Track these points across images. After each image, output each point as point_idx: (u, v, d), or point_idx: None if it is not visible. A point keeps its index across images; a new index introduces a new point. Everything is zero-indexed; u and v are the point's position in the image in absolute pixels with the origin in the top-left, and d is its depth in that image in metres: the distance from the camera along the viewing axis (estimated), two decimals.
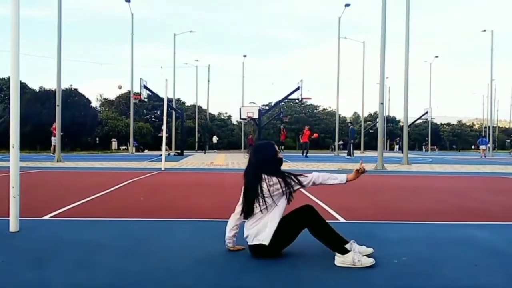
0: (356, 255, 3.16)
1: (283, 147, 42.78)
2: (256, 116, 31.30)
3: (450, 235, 4.33)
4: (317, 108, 64.96)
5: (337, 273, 3.05)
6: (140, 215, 5.31)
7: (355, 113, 71.08)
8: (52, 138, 23.30)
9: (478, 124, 74.04)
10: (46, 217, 5.00)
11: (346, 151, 26.47)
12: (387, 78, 36.95)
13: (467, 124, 75.02)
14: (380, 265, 3.22)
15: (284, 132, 24.91)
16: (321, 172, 3.68)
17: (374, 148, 41.21)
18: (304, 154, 23.70)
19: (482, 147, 31.82)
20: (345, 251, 3.21)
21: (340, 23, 32.28)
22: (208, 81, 48.42)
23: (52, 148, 23.43)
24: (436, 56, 52.87)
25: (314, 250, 3.68)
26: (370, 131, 47.25)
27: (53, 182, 9.65)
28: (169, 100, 30.85)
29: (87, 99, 39.40)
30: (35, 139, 29.94)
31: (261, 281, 2.87)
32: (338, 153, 32.37)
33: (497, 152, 38.48)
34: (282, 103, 43.46)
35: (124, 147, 37.01)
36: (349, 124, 26.30)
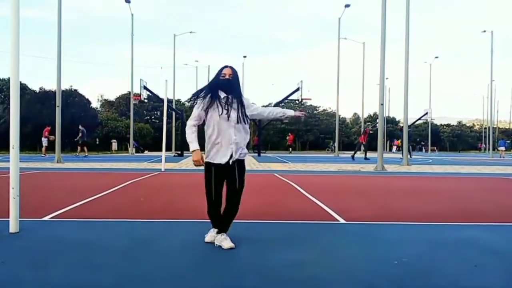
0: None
1: (290, 150, 42.77)
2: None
3: (450, 236, 4.33)
4: (317, 108, 64.94)
5: (336, 273, 3.05)
6: (140, 216, 5.31)
7: (355, 113, 71.13)
8: (43, 139, 23.35)
9: (478, 125, 74.04)
10: (46, 218, 5.00)
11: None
12: (387, 78, 37.00)
13: (467, 125, 75.04)
14: (381, 266, 3.22)
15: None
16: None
17: (374, 148, 41.19)
18: (353, 154, 22.45)
19: (501, 148, 34.34)
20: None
21: (340, 23, 32.35)
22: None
23: (43, 149, 23.44)
24: (436, 57, 52.79)
25: (314, 249, 3.68)
26: (370, 132, 47.25)
27: (53, 183, 9.65)
28: (169, 101, 30.88)
29: (87, 99, 39.44)
30: (35, 140, 29.93)
31: (262, 282, 2.87)
32: (338, 154, 32.38)
33: (497, 153, 38.58)
34: (282, 104, 43.42)
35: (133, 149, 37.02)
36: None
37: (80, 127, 23.18)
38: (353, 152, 22.73)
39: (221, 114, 3.61)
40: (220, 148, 3.63)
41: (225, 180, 3.69)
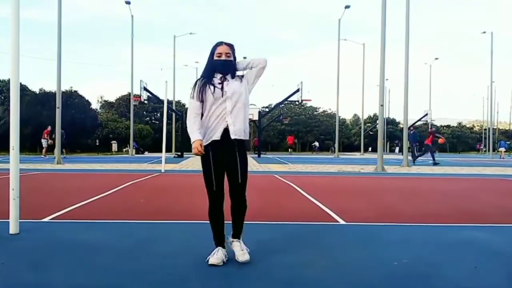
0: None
1: (291, 150, 42.79)
2: (256, 117, 31.34)
3: (451, 237, 4.33)
4: (317, 110, 65.01)
5: (336, 274, 3.04)
6: (140, 217, 5.30)
7: (355, 115, 71.20)
8: (43, 140, 23.35)
9: (478, 126, 74.08)
10: (46, 219, 5.00)
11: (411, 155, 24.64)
12: (387, 80, 37.07)
13: (467, 126, 75.07)
14: (381, 267, 3.22)
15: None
16: None
17: (374, 150, 41.19)
18: (416, 157, 20.05)
19: (501, 149, 34.70)
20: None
21: (340, 25, 32.36)
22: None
23: (44, 150, 23.42)
24: (436, 58, 52.67)
25: (314, 251, 3.68)
26: (370, 133, 47.24)
27: (53, 184, 9.64)
28: (169, 102, 30.88)
29: (87, 101, 39.54)
30: (35, 141, 29.95)
31: (262, 283, 2.87)
32: (338, 155, 32.37)
33: (497, 154, 38.60)
34: (282, 105, 43.48)
35: (126, 149, 37.01)
36: (411, 129, 26.13)
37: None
38: (416, 155, 20.34)
39: (214, 92, 3.21)
40: (214, 123, 3.22)
41: (225, 171, 3.25)
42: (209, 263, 3.16)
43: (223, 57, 3.25)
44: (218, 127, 3.22)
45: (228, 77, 3.28)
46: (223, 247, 3.27)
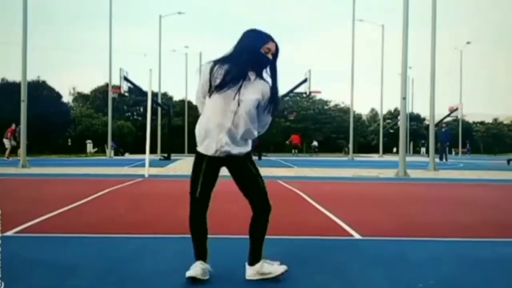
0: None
1: (296, 151, 42.77)
2: None
3: (488, 254, 4.33)
4: (328, 103, 65.04)
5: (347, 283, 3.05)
6: (120, 230, 5.32)
7: (373, 109, 71.24)
8: (5, 140, 23.32)
9: None
10: (8, 233, 4.99)
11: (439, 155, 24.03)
12: (410, 68, 37.00)
13: (505, 122, 75.02)
14: None
15: None
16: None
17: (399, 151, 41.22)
18: None
19: None
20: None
21: (355, 2, 32.34)
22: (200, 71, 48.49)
23: (7, 152, 23.39)
24: (468, 42, 52.61)
25: (324, 270, 3.68)
26: (391, 131, 47.30)
27: (18, 192, 9.65)
28: (154, 94, 30.92)
29: (58, 93, 39.60)
30: None
31: None
32: (353, 157, 32.40)
33: None
34: (287, 98, 43.52)
35: (95, 149, 36.87)
36: (444, 126, 25.88)
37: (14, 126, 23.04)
38: None
39: (223, 91, 3.12)
40: (209, 134, 3.19)
41: (216, 180, 3.32)
42: (187, 275, 3.23)
43: (269, 56, 3.20)
44: (212, 141, 3.21)
45: (252, 74, 3.18)
46: (204, 261, 3.31)
